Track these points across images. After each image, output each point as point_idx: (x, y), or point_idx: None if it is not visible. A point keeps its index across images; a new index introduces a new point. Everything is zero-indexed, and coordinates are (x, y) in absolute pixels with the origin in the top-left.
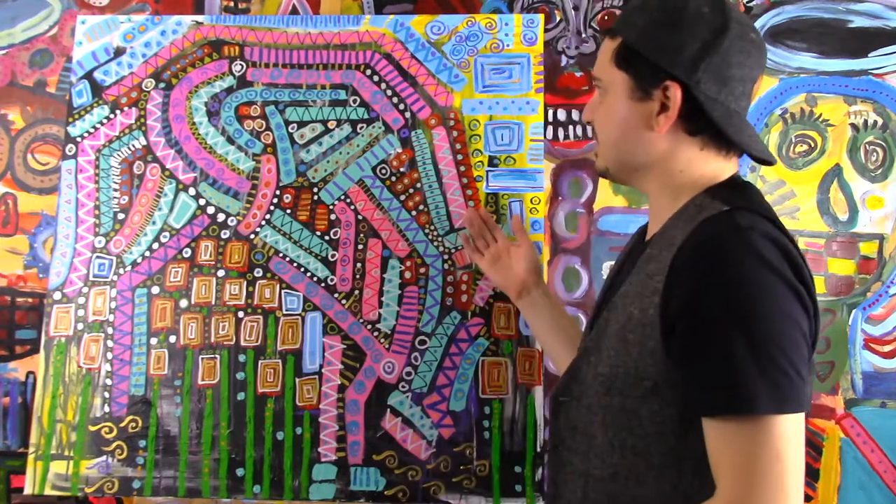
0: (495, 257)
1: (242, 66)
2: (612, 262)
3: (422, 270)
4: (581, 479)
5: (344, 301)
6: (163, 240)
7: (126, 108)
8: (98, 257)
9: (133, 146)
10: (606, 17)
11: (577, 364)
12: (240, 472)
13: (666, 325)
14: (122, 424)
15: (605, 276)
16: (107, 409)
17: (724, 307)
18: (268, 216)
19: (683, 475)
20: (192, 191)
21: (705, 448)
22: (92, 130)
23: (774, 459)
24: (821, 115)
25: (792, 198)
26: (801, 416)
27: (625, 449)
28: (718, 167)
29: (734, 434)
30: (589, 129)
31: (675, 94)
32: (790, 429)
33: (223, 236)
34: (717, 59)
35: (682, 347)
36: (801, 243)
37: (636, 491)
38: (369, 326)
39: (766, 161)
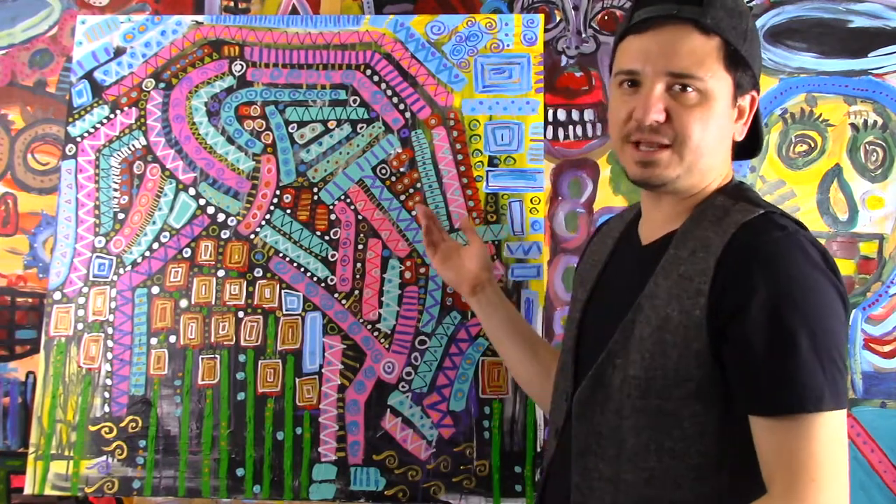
0: (446, 255)
1: (242, 66)
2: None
3: (422, 270)
4: (611, 485)
5: (344, 301)
6: (163, 240)
7: (126, 108)
8: (98, 257)
9: (133, 146)
10: (606, 17)
11: (601, 368)
12: (240, 472)
13: (714, 327)
14: (122, 424)
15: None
16: (107, 409)
17: (788, 309)
18: (268, 216)
19: (722, 477)
20: (192, 191)
21: (746, 449)
22: (92, 130)
23: (834, 453)
24: (821, 115)
25: (792, 198)
26: (845, 412)
27: (661, 452)
28: (729, 167)
29: (798, 431)
30: (589, 128)
31: (755, 103)
32: (843, 423)
33: (223, 236)
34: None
35: (743, 348)
36: None
37: (673, 495)
38: (369, 326)
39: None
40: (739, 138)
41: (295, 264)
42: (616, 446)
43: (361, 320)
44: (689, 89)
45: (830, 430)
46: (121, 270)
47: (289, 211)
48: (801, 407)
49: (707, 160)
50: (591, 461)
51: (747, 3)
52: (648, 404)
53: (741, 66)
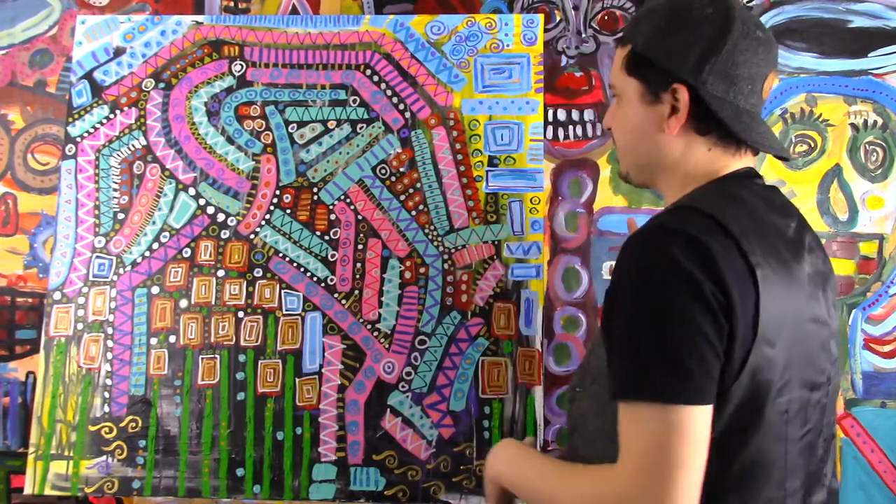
0: None
1: (242, 66)
2: (613, 262)
3: (422, 270)
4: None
5: (344, 301)
6: (163, 240)
7: (126, 108)
8: (98, 257)
9: (133, 146)
10: (606, 17)
11: (586, 358)
12: (240, 472)
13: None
14: (122, 424)
15: (605, 277)
16: (107, 409)
17: (613, 306)
18: (268, 216)
19: None
20: (192, 191)
21: None
22: (92, 130)
23: (649, 439)
24: (821, 115)
25: (792, 198)
26: (699, 409)
27: (603, 435)
28: (726, 165)
29: (622, 416)
30: (589, 128)
31: (683, 96)
32: (682, 420)
33: (223, 236)
34: (722, 59)
35: (604, 333)
36: None
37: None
38: (369, 326)
39: (781, 157)
40: (670, 133)
41: (295, 264)
42: (592, 426)
43: (361, 320)
44: (615, 96)
45: (647, 420)
46: (121, 270)
47: (289, 211)
48: (615, 393)
49: (637, 156)
50: (577, 441)
51: (747, 2)
52: (598, 391)
53: (644, 65)
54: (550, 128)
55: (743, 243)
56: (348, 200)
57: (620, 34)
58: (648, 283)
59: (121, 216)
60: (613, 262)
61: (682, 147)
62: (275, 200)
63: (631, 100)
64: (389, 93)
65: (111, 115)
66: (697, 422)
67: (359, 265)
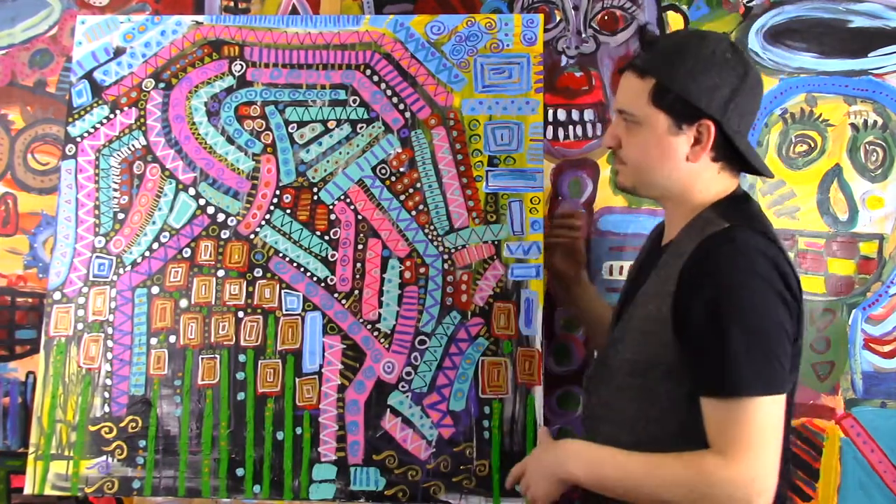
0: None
1: (242, 66)
2: (612, 262)
3: (422, 270)
4: (612, 444)
5: (344, 301)
6: (163, 240)
7: (126, 108)
8: (98, 257)
9: (133, 146)
10: (606, 17)
11: (606, 352)
12: (240, 472)
13: (677, 323)
14: (122, 424)
15: (605, 276)
16: (107, 409)
17: (722, 309)
18: (268, 216)
19: (692, 443)
20: (191, 191)
21: None
22: (92, 130)
23: (762, 429)
24: (821, 115)
25: (792, 198)
26: (781, 397)
27: (647, 420)
28: (727, 184)
29: (729, 410)
30: (589, 128)
31: (711, 130)
32: (773, 405)
33: (223, 236)
34: (741, 99)
35: (690, 341)
36: (801, 243)
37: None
38: (369, 326)
39: (769, 176)
40: (694, 161)
41: (295, 264)
42: (616, 414)
43: (361, 320)
44: (628, 121)
45: (755, 410)
46: (121, 270)
47: (289, 211)
48: (727, 391)
49: (655, 176)
50: (598, 426)
51: (747, 3)
52: (635, 382)
53: (673, 101)
54: (550, 128)
55: (788, 255)
56: (348, 200)
57: (636, 64)
58: (748, 294)
59: (121, 216)
60: (615, 262)
61: (696, 171)
62: (275, 200)
63: (655, 129)
64: (389, 93)
65: (111, 115)
66: (782, 408)
67: (359, 265)
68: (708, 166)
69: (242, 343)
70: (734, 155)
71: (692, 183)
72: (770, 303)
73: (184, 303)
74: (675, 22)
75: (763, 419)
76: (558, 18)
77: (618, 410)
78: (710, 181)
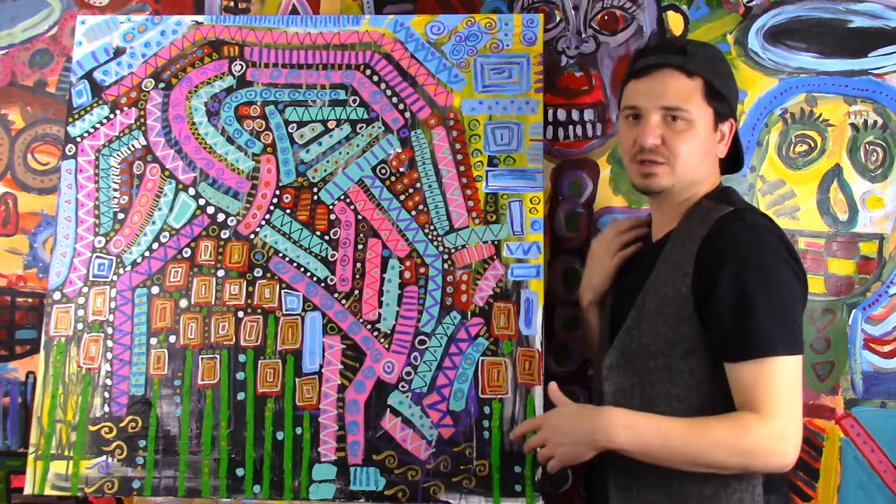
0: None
1: (242, 66)
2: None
3: (422, 270)
4: None
5: (344, 301)
6: (163, 240)
7: (126, 108)
8: (98, 257)
9: (133, 146)
10: (606, 17)
11: (622, 340)
12: (240, 472)
13: (696, 298)
14: (122, 424)
15: None
16: (107, 409)
17: (747, 280)
18: (268, 216)
19: (716, 410)
20: (191, 191)
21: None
22: (92, 130)
23: (789, 387)
24: (821, 115)
25: (792, 198)
26: (801, 357)
27: (671, 398)
28: (716, 177)
29: (758, 371)
30: (589, 128)
31: (733, 128)
32: (796, 364)
33: (223, 236)
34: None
35: (716, 312)
36: (801, 243)
37: None
38: (369, 326)
39: (739, 169)
40: (721, 156)
41: (295, 264)
42: (637, 398)
43: (361, 320)
44: (678, 119)
45: (783, 368)
46: (121, 270)
47: (289, 211)
48: (759, 352)
49: (694, 172)
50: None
51: (747, 3)
52: (657, 363)
53: (719, 99)
54: (550, 128)
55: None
56: (348, 200)
57: (681, 65)
58: (766, 264)
59: (121, 216)
60: None
61: (712, 166)
62: (275, 200)
63: (704, 126)
64: (389, 93)
65: (111, 115)
66: (801, 368)
67: (359, 265)
68: (716, 162)
69: (242, 343)
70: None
71: (706, 177)
72: (784, 272)
73: (184, 303)
74: (675, 22)
75: (790, 377)
76: (558, 18)
77: (638, 394)
78: (713, 175)
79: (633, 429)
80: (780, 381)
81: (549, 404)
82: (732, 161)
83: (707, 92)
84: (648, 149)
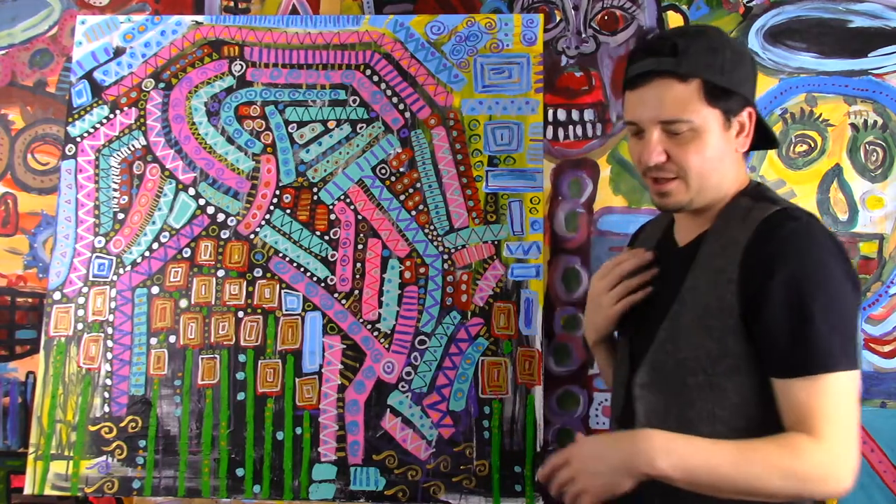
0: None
1: (242, 66)
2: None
3: (422, 270)
4: None
5: (344, 301)
6: (163, 240)
7: (126, 108)
8: (98, 257)
9: (133, 146)
10: (606, 17)
11: (655, 356)
12: (240, 472)
13: (744, 308)
14: (122, 424)
15: None
16: (107, 409)
17: (802, 287)
18: (268, 216)
19: (760, 433)
20: (191, 191)
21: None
22: (92, 130)
23: (847, 404)
24: (821, 115)
25: (792, 198)
26: (858, 373)
27: (713, 420)
28: (743, 171)
29: (815, 388)
30: (589, 128)
31: (752, 117)
32: (855, 380)
33: (223, 236)
34: (755, 84)
35: (768, 322)
36: None
37: None
38: (369, 326)
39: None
40: (743, 149)
41: (295, 264)
42: (673, 419)
43: (361, 320)
44: (681, 130)
45: (842, 386)
46: (121, 270)
47: (289, 211)
48: (816, 368)
49: (712, 179)
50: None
51: (747, 3)
52: (697, 380)
53: (724, 96)
54: (550, 128)
55: None
56: (348, 200)
57: (672, 70)
58: (827, 272)
59: (121, 216)
60: None
61: (735, 161)
62: (275, 200)
63: (712, 129)
64: (389, 93)
65: (111, 115)
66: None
67: (359, 265)
68: (739, 157)
69: (242, 343)
70: (757, 138)
71: (730, 176)
72: (842, 280)
73: (184, 303)
74: (675, 22)
75: (848, 396)
76: (558, 18)
77: (674, 415)
78: (740, 172)
79: (676, 452)
80: (837, 399)
81: (548, 404)
82: (763, 140)
83: (708, 93)
84: (654, 167)
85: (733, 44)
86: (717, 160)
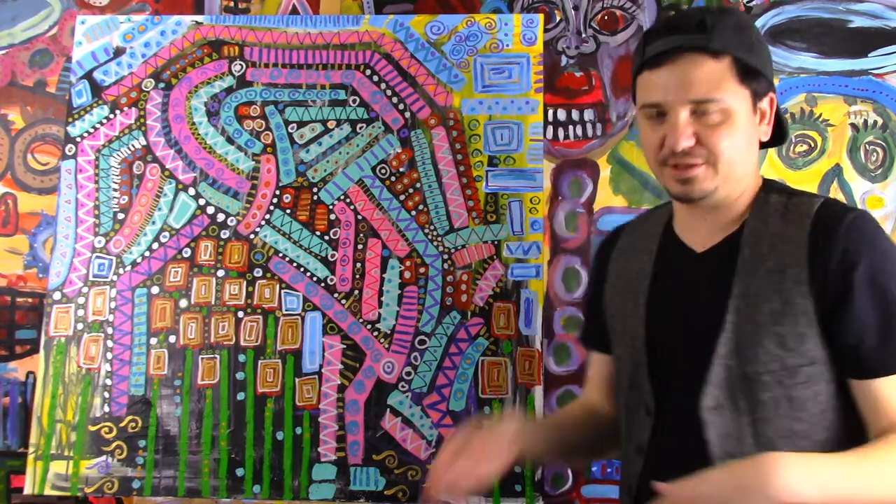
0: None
1: (242, 66)
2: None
3: (421, 270)
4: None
5: (344, 301)
6: (163, 240)
7: (126, 109)
8: (98, 257)
9: (133, 146)
10: (606, 17)
11: (718, 374)
12: (240, 472)
13: (822, 309)
14: (122, 424)
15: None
16: (107, 409)
17: (886, 278)
18: (268, 216)
19: (842, 445)
20: (191, 191)
21: (855, 414)
22: (92, 130)
23: None
24: (821, 115)
25: None
26: None
27: (793, 436)
28: (758, 167)
29: None
30: (589, 128)
31: (774, 103)
32: None
33: (223, 236)
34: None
35: (854, 319)
36: None
37: None
38: (369, 326)
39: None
40: (765, 139)
41: (295, 264)
42: (750, 441)
43: (361, 320)
44: (712, 111)
45: None
46: (120, 270)
47: (289, 211)
48: None
49: (740, 168)
50: (696, 467)
51: (747, 3)
52: (773, 394)
53: (754, 75)
54: (550, 128)
55: None
56: (348, 200)
57: (703, 45)
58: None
59: (121, 216)
60: None
61: (757, 154)
62: (275, 200)
63: (742, 112)
64: (389, 93)
65: (111, 115)
66: None
67: (359, 265)
68: (757, 148)
69: (242, 343)
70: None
71: (753, 166)
72: None
73: (184, 303)
74: None
75: None
76: (558, 18)
77: (750, 436)
78: (757, 163)
79: (809, 473)
80: None
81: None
82: (774, 135)
83: (740, 71)
84: (682, 152)
85: (755, 27)
86: (745, 147)
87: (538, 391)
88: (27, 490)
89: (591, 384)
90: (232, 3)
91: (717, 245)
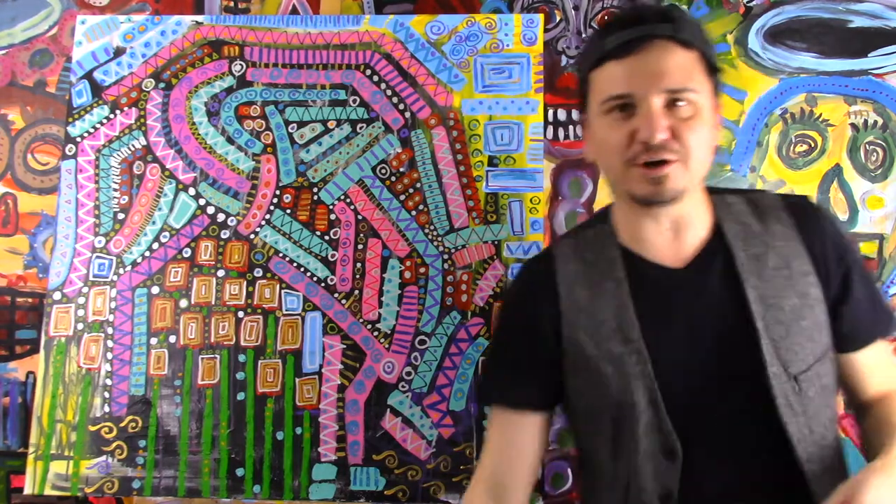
0: None
1: (242, 66)
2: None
3: (422, 270)
4: (828, 476)
5: (344, 301)
6: (163, 240)
7: (126, 108)
8: (98, 257)
9: (133, 146)
10: (606, 18)
11: (776, 385)
12: (240, 472)
13: (829, 294)
14: (122, 424)
15: None
16: (107, 409)
17: (859, 259)
18: (268, 216)
19: (839, 442)
20: (192, 191)
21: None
22: (92, 130)
23: None
24: (821, 115)
25: None
26: None
27: (831, 423)
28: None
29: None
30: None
31: (721, 99)
32: None
33: (223, 236)
34: None
35: (857, 296)
36: None
37: (836, 449)
38: (369, 326)
39: None
40: (717, 142)
41: (295, 264)
42: (820, 438)
43: (361, 320)
44: (682, 103)
45: None
46: (121, 270)
47: (289, 211)
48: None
49: (703, 168)
50: (828, 474)
51: (747, 3)
52: (815, 389)
53: (714, 73)
54: (550, 128)
55: None
56: (348, 200)
57: (675, 36)
58: None
59: (121, 216)
60: None
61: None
62: (275, 200)
63: (707, 107)
64: (389, 93)
65: (111, 115)
66: None
67: (359, 265)
68: None
69: (242, 343)
70: None
71: (707, 168)
72: None
73: (184, 303)
74: None
75: None
76: (558, 18)
77: (820, 434)
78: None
79: None
80: None
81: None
82: None
83: (706, 65)
84: (657, 146)
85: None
86: (709, 144)
87: None
88: (27, 490)
89: (507, 456)
90: (232, 3)
91: (697, 257)
